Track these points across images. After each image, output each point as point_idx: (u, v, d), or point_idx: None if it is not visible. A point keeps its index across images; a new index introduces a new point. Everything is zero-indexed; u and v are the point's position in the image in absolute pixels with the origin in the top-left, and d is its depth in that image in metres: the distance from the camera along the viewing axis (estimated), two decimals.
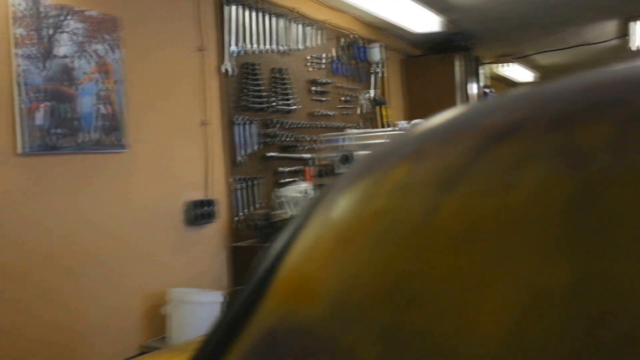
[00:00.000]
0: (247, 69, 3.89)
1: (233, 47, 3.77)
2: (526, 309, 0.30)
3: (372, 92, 5.43)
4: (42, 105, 2.61)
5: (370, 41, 5.42)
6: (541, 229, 0.31)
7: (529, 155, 0.33)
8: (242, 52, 3.85)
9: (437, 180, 0.36)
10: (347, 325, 0.34)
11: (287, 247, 0.43)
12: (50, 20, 2.68)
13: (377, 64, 5.49)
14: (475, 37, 6.36)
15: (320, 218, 0.42)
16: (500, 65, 7.94)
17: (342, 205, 0.41)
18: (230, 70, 3.73)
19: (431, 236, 0.34)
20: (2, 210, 2.44)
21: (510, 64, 7.96)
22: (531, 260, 0.31)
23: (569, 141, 0.32)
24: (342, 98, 4.98)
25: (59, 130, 2.67)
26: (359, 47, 5.26)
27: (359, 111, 5.22)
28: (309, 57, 4.58)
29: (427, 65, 6.35)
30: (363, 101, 5.28)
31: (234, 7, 3.78)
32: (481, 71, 6.96)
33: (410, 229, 0.35)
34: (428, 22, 5.29)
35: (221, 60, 3.70)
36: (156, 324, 3.05)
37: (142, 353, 2.80)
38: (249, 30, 3.93)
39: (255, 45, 3.97)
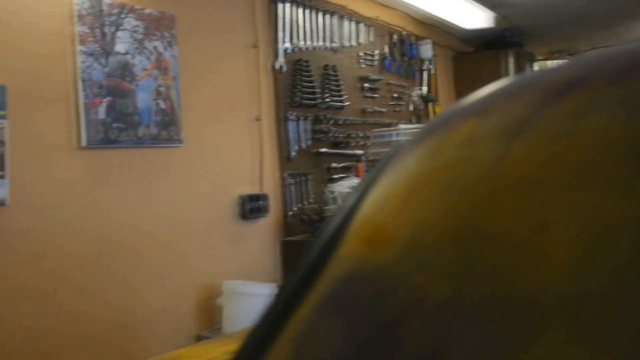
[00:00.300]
0: (299, 65, 3.94)
1: (285, 44, 3.82)
2: (591, 242, 0.32)
3: (422, 89, 5.42)
4: (103, 100, 2.70)
5: (421, 38, 5.41)
6: (603, 170, 0.33)
7: (591, 106, 0.35)
8: (294, 49, 3.90)
9: (503, 131, 0.38)
10: (419, 266, 0.37)
11: (359, 200, 0.45)
12: (111, 19, 2.77)
13: (428, 60, 5.47)
14: (527, 32, 6.28)
15: (392, 172, 0.44)
16: (553, 61, 7.82)
17: (412, 160, 0.43)
18: (282, 66, 3.78)
19: (499, 181, 0.36)
20: (66, 201, 2.53)
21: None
22: (594, 197, 0.32)
23: (629, 92, 0.34)
24: (393, 95, 4.98)
25: (119, 125, 2.76)
26: (409, 44, 5.25)
27: (409, 108, 5.21)
28: (360, 54, 4.60)
29: (478, 62, 6.29)
30: (414, 98, 5.27)
31: (286, 5, 3.83)
32: (534, 68, 6.87)
33: (479, 176, 0.37)
34: (479, 18, 5.25)
35: (274, 57, 3.75)
36: (210, 314, 3.11)
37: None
38: (300, 27, 3.97)
39: (307, 42, 4.01)
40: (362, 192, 0.46)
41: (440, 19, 5.19)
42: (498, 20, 5.47)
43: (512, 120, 0.38)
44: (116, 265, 2.71)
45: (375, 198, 0.43)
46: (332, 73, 4.23)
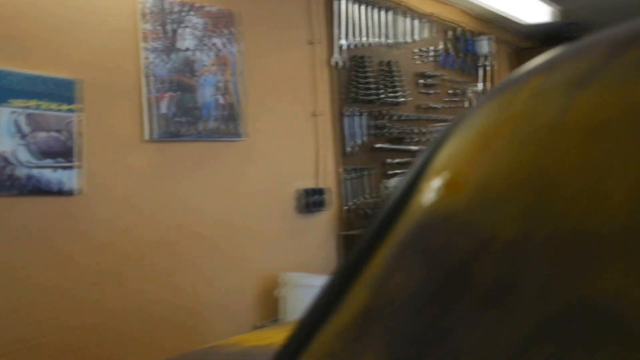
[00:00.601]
0: (357, 61, 3.96)
1: (343, 41, 3.85)
2: None
3: (479, 85, 5.37)
4: (166, 95, 2.79)
5: (478, 34, 5.36)
6: None
7: None
8: (352, 46, 3.93)
9: (568, 84, 0.40)
10: (489, 210, 0.39)
11: (433, 154, 0.48)
12: (174, 16, 2.86)
13: (486, 56, 5.42)
14: (588, 27, 6.14)
15: (464, 127, 0.47)
16: None
17: (483, 115, 0.46)
18: (340, 62, 3.81)
19: (565, 128, 0.38)
20: (135, 191, 2.63)
21: None
22: None
23: None
24: (450, 91, 4.95)
25: (181, 119, 2.84)
26: (466, 39, 5.21)
27: (466, 104, 5.17)
28: (416, 50, 4.59)
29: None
30: (471, 94, 5.23)
31: (343, 1, 3.86)
32: None
33: (546, 125, 0.39)
34: (538, 13, 5.17)
35: (331, 53, 3.79)
36: (269, 306, 3.16)
37: None
38: (357, 23, 4.00)
39: (364, 39, 4.04)
40: (435, 146, 0.48)
41: (498, 13, 5.13)
42: (558, 14, 5.38)
43: (577, 74, 0.40)
44: (182, 253, 2.79)
45: (448, 150, 0.46)
46: (389, 69, 4.24)
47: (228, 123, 3.06)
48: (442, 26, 4.90)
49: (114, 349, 2.48)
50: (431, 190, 0.45)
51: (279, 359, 0.45)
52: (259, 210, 3.22)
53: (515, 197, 0.38)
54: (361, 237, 0.51)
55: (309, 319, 0.44)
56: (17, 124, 2.28)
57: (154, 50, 2.76)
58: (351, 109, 3.88)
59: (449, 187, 0.43)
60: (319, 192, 3.56)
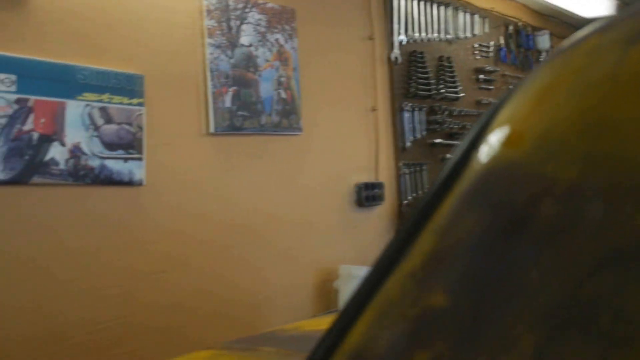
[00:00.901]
0: (414, 57, 3.98)
1: (400, 36, 3.88)
2: None
3: None
4: (229, 89, 2.87)
5: (537, 29, 5.29)
6: None
7: None
8: (409, 41, 3.95)
9: (623, 40, 0.43)
10: (550, 157, 0.43)
11: (497, 110, 0.51)
12: (236, 13, 2.94)
13: (546, 51, 5.34)
14: None
15: (526, 84, 0.51)
16: None
17: (543, 72, 0.49)
18: (397, 58, 3.84)
19: (620, 78, 0.42)
20: (195, 183, 2.72)
21: None
22: None
23: None
24: (509, 86, 4.91)
25: (243, 113, 2.92)
26: (526, 35, 5.16)
27: None
28: (475, 45, 4.57)
29: None
30: None
31: None
32: None
33: (602, 75, 0.43)
34: (599, 7, 5.07)
35: (389, 48, 3.82)
36: (327, 298, 3.22)
37: None
38: (416, 19, 4.01)
39: (422, 34, 4.05)
40: (498, 104, 0.52)
41: (558, 8, 5.06)
42: (619, 7, 5.27)
43: (630, 32, 0.44)
44: (239, 246, 2.87)
45: (510, 106, 0.50)
46: (447, 64, 4.24)
47: (287, 117, 3.13)
48: (500, 21, 4.87)
49: (187, 329, 2.57)
50: (494, 142, 0.49)
51: (356, 297, 0.49)
52: (317, 204, 3.28)
53: (575, 144, 0.42)
54: (428, 189, 0.55)
55: (382, 263, 0.49)
56: (90, 117, 2.40)
57: (218, 46, 2.84)
58: (409, 104, 3.90)
59: (511, 138, 0.47)
60: (376, 186, 3.59)
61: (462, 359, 0.43)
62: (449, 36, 4.30)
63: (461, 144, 0.55)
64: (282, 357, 1.51)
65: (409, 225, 0.50)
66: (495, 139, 0.49)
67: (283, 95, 3.11)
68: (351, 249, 3.43)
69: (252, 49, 2.99)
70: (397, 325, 0.47)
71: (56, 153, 2.30)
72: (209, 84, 2.79)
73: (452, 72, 4.26)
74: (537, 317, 0.39)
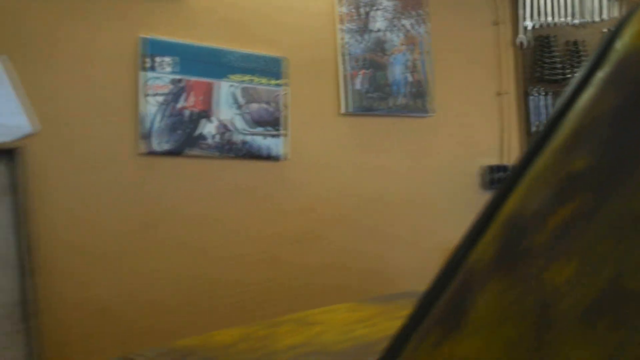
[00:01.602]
0: (542, 41, 3.95)
1: (527, 21, 3.87)
2: None
3: None
4: (360, 72, 3.01)
5: None
6: None
7: None
8: (537, 25, 3.93)
9: None
10: None
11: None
12: (366, 0, 3.08)
13: None
14: None
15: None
16: None
17: None
18: (524, 43, 3.83)
19: None
20: (332, 160, 2.88)
21: None
22: None
23: None
24: None
25: (373, 95, 3.05)
26: None
27: None
28: (605, 30, 4.46)
29: None
30: None
31: None
32: None
33: None
34: None
35: (516, 33, 3.82)
36: None
37: None
38: (543, 3, 3.99)
39: (549, 18, 4.02)
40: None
41: None
42: None
43: None
44: (371, 219, 3.00)
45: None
46: (576, 49, 4.18)
47: (416, 99, 3.22)
48: (633, 4, 4.70)
49: (326, 288, 2.73)
50: (631, 34, 0.57)
51: (511, 174, 0.58)
52: (444, 184, 3.35)
53: None
54: (573, 78, 0.64)
55: (535, 142, 0.58)
56: (234, 96, 2.61)
57: (349, 31, 2.99)
58: (536, 89, 3.88)
59: None
60: (503, 169, 3.61)
61: (601, 206, 0.50)
62: (577, 20, 4.22)
63: (607, 33, 0.63)
64: None
65: (557, 109, 0.58)
66: (631, 32, 0.57)
67: (411, 78, 3.21)
68: None
69: (381, 34, 3.11)
70: (543, 191, 0.55)
71: (205, 128, 2.53)
72: (342, 67, 2.94)
73: (581, 56, 4.18)
74: None
